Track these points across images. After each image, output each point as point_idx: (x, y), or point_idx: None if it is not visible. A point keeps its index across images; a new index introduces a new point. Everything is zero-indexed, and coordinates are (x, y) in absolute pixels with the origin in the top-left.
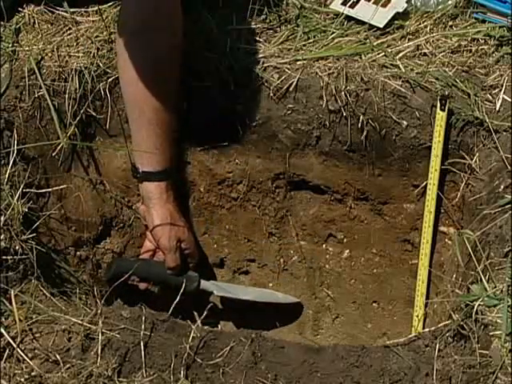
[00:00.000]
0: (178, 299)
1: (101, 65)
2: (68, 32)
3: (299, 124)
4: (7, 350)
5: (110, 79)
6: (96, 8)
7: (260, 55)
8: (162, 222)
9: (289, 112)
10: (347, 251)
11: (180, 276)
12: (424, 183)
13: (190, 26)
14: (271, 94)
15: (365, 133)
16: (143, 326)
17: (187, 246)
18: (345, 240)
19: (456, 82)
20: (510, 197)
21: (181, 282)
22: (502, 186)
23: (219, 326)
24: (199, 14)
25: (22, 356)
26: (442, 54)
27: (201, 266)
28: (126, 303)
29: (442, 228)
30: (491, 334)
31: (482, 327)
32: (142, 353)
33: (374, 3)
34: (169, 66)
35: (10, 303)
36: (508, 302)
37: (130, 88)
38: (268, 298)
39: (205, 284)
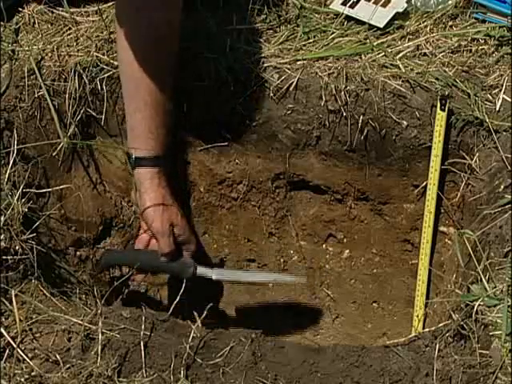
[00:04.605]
0: (180, 292)
1: (101, 65)
2: (68, 32)
3: (299, 124)
4: (7, 350)
5: (110, 79)
6: (96, 8)
7: (260, 55)
8: (154, 205)
9: (289, 112)
10: (347, 251)
11: (174, 262)
12: (424, 183)
13: (190, 26)
14: (271, 94)
15: (365, 133)
16: (143, 326)
17: (181, 231)
18: (345, 240)
19: (456, 81)
20: (510, 197)
21: (175, 268)
22: (502, 186)
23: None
24: (199, 14)
25: (22, 356)
26: (442, 53)
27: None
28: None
29: (442, 228)
30: (491, 334)
31: (482, 327)
32: (142, 353)
33: (374, 3)
34: (167, 43)
35: (10, 303)
36: (508, 301)
37: (127, 68)
38: (271, 279)
39: (202, 270)
